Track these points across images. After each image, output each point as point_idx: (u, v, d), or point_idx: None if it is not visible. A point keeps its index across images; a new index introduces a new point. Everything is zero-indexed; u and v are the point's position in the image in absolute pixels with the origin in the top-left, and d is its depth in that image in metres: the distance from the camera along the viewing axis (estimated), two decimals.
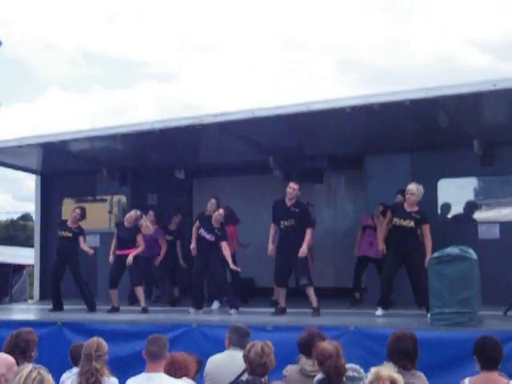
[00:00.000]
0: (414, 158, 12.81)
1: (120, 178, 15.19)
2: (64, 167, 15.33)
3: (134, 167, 15.11)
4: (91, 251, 12.56)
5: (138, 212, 12.50)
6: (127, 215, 12.55)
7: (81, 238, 12.61)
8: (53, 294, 12.88)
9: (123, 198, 14.68)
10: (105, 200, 16.19)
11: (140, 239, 12.30)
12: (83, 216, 12.84)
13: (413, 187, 10.37)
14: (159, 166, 15.14)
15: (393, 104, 10.12)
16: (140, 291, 12.22)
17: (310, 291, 10.86)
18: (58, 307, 12.67)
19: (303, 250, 10.77)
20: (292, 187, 10.98)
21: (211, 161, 15.04)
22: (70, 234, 12.66)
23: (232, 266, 11.75)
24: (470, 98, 9.98)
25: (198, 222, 11.94)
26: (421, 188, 10.43)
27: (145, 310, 11.90)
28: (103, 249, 14.18)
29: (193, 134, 12.22)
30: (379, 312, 10.32)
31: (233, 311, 11.35)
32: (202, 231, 11.75)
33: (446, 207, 13.22)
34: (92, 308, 12.52)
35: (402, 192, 12.14)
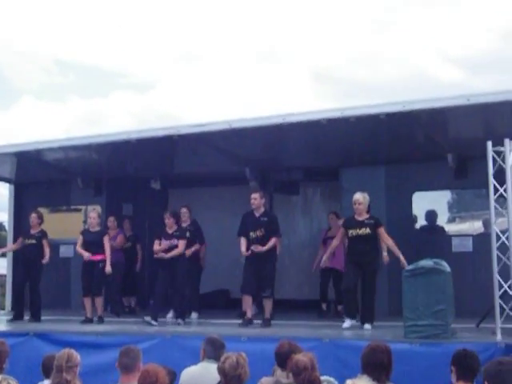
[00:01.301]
0: (389, 170, 12.88)
1: (95, 187, 15.13)
2: (38, 176, 15.23)
3: (109, 177, 15.05)
4: (46, 259, 12.54)
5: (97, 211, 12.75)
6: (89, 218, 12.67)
7: (44, 242, 12.62)
8: (15, 303, 12.79)
9: (98, 208, 14.58)
10: (79, 210, 16.10)
11: (106, 241, 12.31)
12: (41, 218, 12.84)
13: (359, 197, 10.61)
14: (135, 176, 15.10)
15: (369, 117, 10.21)
16: (100, 301, 12.24)
17: (269, 304, 11.00)
18: (19, 317, 12.58)
19: (260, 248, 10.83)
20: (253, 197, 11.11)
21: (187, 171, 15.01)
22: (33, 241, 12.64)
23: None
24: (444, 112, 10.10)
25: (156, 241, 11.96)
26: (366, 196, 10.65)
27: (101, 320, 11.98)
28: (77, 259, 14.10)
29: (169, 145, 12.23)
30: (346, 324, 10.37)
31: (179, 320, 11.40)
32: (163, 241, 11.75)
33: (433, 215, 13.29)
34: (37, 319, 12.41)
35: (334, 213, 12.95)
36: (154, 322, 11.27)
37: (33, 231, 12.75)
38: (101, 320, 11.98)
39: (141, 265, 14.37)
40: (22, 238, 12.94)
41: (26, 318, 12.60)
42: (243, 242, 11.17)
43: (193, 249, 12.49)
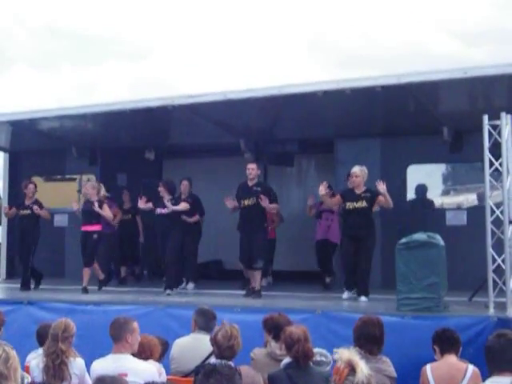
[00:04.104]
0: (385, 143, 12.86)
1: (90, 157, 15.11)
2: (33, 145, 15.18)
3: (103, 147, 15.01)
4: (47, 215, 12.69)
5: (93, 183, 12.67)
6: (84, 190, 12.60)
7: (41, 210, 12.62)
8: (24, 273, 12.76)
9: (92, 178, 14.58)
10: (74, 179, 16.07)
11: (106, 209, 12.25)
12: (36, 189, 12.85)
13: (356, 170, 10.63)
14: (129, 147, 15.05)
15: (364, 89, 10.16)
16: (88, 272, 12.11)
17: (258, 275, 11.07)
18: (27, 286, 12.58)
19: (272, 207, 11.16)
20: (250, 167, 11.16)
21: (182, 142, 14.99)
22: (28, 211, 12.61)
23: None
24: (440, 85, 10.06)
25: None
26: (364, 169, 10.68)
27: (85, 290, 11.84)
28: (71, 228, 14.13)
29: (164, 115, 12.18)
30: (345, 295, 10.47)
31: (168, 291, 11.34)
32: (158, 209, 11.79)
33: (422, 188, 13.32)
34: (27, 288, 12.46)
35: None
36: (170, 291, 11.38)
37: (28, 202, 12.72)
38: (85, 290, 11.87)
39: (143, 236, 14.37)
40: (17, 209, 12.89)
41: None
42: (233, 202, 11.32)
43: (195, 218, 12.59)
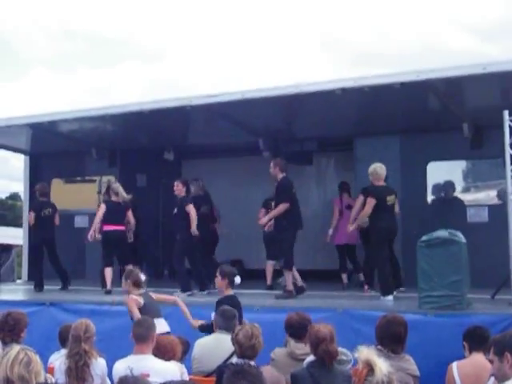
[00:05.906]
0: (404, 140, 12.80)
1: (109, 158, 15.16)
2: (53, 147, 15.26)
3: (123, 148, 15.06)
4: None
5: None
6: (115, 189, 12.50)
7: (57, 215, 12.74)
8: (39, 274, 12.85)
9: (112, 179, 14.61)
10: (94, 180, 16.11)
11: (130, 213, 12.29)
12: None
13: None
14: (148, 147, 15.09)
15: (383, 86, 10.11)
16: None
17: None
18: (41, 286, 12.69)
19: (263, 221, 11.15)
20: None
21: (200, 142, 15.00)
22: (50, 211, 12.71)
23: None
24: (460, 81, 9.99)
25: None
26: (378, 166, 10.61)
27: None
28: None
29: (182, 116, 12.19)
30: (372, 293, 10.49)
31: (182, 294, 11.11)
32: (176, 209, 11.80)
33: (450, 185, 13.27)
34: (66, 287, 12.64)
35: None
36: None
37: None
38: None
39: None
40: (38, 210, 12.96)
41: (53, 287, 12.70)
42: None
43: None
